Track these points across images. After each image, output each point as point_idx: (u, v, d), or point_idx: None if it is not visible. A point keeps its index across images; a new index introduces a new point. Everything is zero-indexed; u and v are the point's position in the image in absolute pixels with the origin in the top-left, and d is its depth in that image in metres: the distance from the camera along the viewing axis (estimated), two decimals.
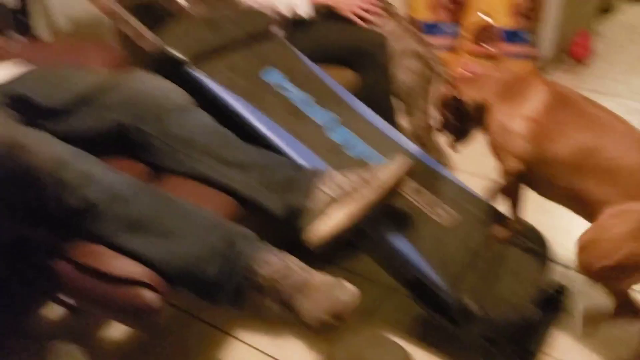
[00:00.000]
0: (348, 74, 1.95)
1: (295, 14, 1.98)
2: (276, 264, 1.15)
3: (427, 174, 1.59)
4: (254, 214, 1.34)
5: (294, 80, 1.60)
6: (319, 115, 1.56)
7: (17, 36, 1.93)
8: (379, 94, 1.95)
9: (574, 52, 3.29)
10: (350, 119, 1.60)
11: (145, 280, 1.09)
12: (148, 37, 1.58)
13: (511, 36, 2.88)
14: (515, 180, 1.49)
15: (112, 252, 1.12)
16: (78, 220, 1.13)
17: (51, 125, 1.34)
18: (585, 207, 1.36)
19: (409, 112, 2.07)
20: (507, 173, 1.48)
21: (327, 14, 2.08)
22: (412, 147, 1.65)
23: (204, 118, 1.41)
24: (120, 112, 1.37)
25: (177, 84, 1.44)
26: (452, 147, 1.68)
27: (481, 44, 2.90)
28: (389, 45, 2.01)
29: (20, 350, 1.32)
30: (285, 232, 1.31)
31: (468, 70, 2.87)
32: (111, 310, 1.15)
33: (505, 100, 1.48)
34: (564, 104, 1.42)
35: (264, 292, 1.14)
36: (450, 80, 1.83)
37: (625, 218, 1.28)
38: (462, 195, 1.59)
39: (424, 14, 2.96)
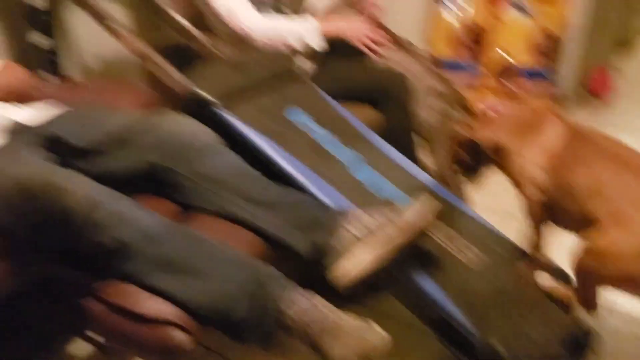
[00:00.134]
0: (370, 112, 1.98)
1: (307, 46, 1.98)
2: (304, 304, 1.16)
3: (452, 214, 1.60)
4: (281, 253, 1.35)
5: (318, 119, 1.63)
6: (343, 154, 1.58)
7: (49, 76, 2.00)
8: (401, 132, 1.97)
9: (593, 88, 3.31)
10: (374, 158, 1.63)
11: (176, 320, 1.10)
12: (177, 79, 1.62)
13: (531, 74, 2.91)
14: (538, 211, 1.53)
15: (144, 292, 1.13)
16: (110, 260, 1.15)
17: (84, 166, 1.38)
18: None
19: (432, 150, 2.09)
20: (529, 203, 1.52)
21: (344, 51, 2.13)
22: (436, 185, 1.67)
23: (232, 158, 1.44)
24: (151, 152, 1.41)
25: (205, 124, 1.48)
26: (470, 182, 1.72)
27: (501, 81, 2.93)
28: (411, 84, 2.05)
29: None
30: (311, 271, 1.32)
31: (489, 108, 2.89)
32: (141, 350, 1.16)
33: (524, 136, 1.55)
34: (582, 139, 1.49)
35: (292, 332, 1.15)
36: (468, 121, 1.88)
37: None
38: (488, 235, 1.60)
39: (444, 52, 3.01)
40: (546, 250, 1.57)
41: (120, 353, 1.59)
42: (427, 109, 2.06)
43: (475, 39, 2.99)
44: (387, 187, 1.56)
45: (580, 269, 1.40)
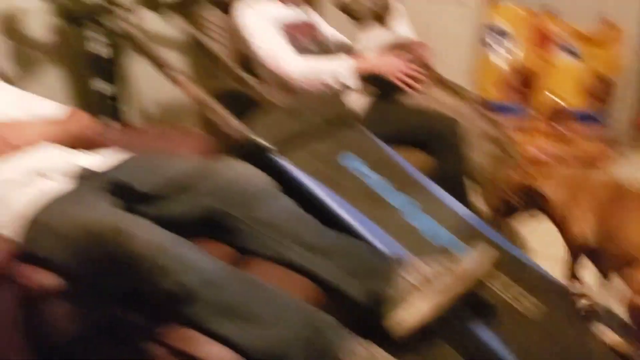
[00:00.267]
0: (421, 156, 1.98)
1: (342, 85, 2.02)
2: (362, 353, 1.15)
3: (509, 262, 1.58)
4: (336, 300, 1.35)
5: (372, 165, 1.65)
6: (398, 200, 1.59)
7: (111, 122, 2.08)
8: (453, 176, 1.97)
9: None
10: (429, 204, 1.62)
11: None
12: (233, 126, 1.67)
13: (582, 117, 2.87)
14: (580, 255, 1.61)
15: (204, 337, 1.15)
16: (173, 304, 1.17)
17: (147, 210, 1.42)
18: None
19: (484, 195, 2.07)
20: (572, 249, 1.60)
21: (394, 94, 2.15)
22: (491, 232, 1.65)
23: (288, 203, 1.46)
24: (210, 197, 1.44)
25: (261, 170, 1.51)
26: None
27: (552, 124, 2.90)
28: (462, 127, 2.05)
29: None
30: (367, 319, 1.31)
31: (540, 151, 2.86)
32: None
33: (572, 188, 1.62)
34: (627, 196, 1.58)
35: None
36: (518, 165, 1.88)
37: None
38: (545, 284, 1.57)
39: (494, 95, 3.00)
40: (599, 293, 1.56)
41: None
42: (478, 153, 2.05)
43: (524, 81, 2.98)
44: (442, 234, 1.55)
45: (634, 310, 1.39)
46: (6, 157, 1.39)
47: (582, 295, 1.66)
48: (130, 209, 1.37)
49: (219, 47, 2.19)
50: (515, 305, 1.47)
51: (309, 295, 1.33)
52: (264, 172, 1.50)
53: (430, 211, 1.61)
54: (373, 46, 2.23)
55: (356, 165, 1.63)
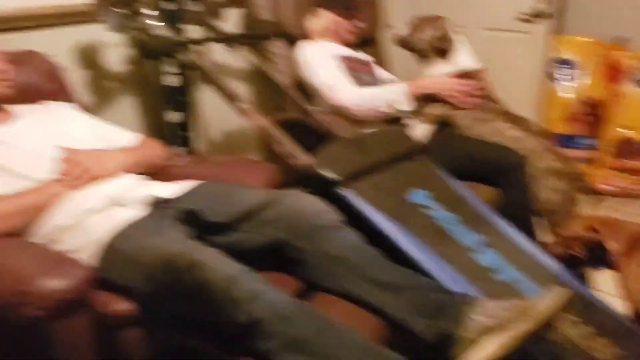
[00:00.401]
0: (487, 191, 1.95)
1: (397, 110, 2.08)
2: None
3: (578, 301, 1.52)
4: (404, 338, 1.34)
5: (439, 200, 1.63)
6: (466, 236, 1.56)
7: (180, 150, 2.14)
8: (520, 213, 1.92)
9: None
10: (497, 241, 1.59)
11: None
12: (300, 157, 1.69)
13: None
14: None
15: None
16: (242, 335, 1.19)
17: (216, 239, 1.46)
18: None
19: (553, 231, 2.02)
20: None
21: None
22: (560, 270, 1.60)
23: (354, 237, 1.46)
24: (276, 228, 1.46)
25: (327, 202, 1.52)
26: None
27: (621, 157, 2.81)
28: (529, 162, 2.01)
29: None
30: (433, 358, 1.29)
31: (609, 185, 2.77)
32: None
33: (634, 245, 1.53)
34: None
35: None
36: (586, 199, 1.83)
37: None
38: (616, 325, 1.50)
39: (560, 127, 2.93)
40: None
41: None
42: (548, 190, 2.00)
43: (592, 113, 2.90)
44: (511, 273, 1.51)
45: None
46: (87, 186, 1.45)
47: None
48: (200, 238, 1.41)
49: (284, 78, 2.25)
50: (586, 348, 1.41)
51: (375, 332, 1.32)
52: (331, 205, 1.51)
53: (497, 247, 1.58)
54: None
55: (425, 201, 1.61)
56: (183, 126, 2.21)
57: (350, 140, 1.79)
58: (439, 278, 1.42)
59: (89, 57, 2.12)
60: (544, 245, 1.93)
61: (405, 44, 2.28)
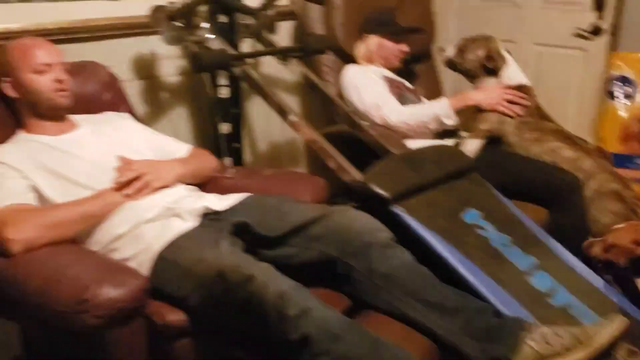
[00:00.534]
0: (537, 212, 1.90)
1: (442, 124, 2.10)
2: None
3: (637, 330, 1.47)
4: None
5: (492, 220, 1.60)
6: (519, 259, 1.53)
7: (229, 161, 2.16)
8: (574, 235, 1.87)
9: None
10: (550, 264, 1.55)
11: None
12: (351, 172, 1.68)
13: None
14: None
15: None
16: (291, 351, 1.19)
17: (265, 253, 1.47)
18: None
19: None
20: None
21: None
22: (616, 296, 1.55)
23: (405, 256, 1.44)
24: (326, 244, 1.46)
25: (379, 219, 1.51)
26: None
27: None
28: (583, 183, 1.96)
29: None
30: None
31: None
32: None
33: None
34: None
35: None
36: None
37: None
38: None
39: (615, 146, 2.84)
40: None
41: None
42: (605, 212, 1.94)
43: None
44: (566, 297, 1.47)
45: None
46: (144, 196, 1.48)
47: None
48: (250, 251, 1.42)
49: (334, 91, 2.25)
50: None
51: (425, 354, 1.31)
52: (382, 222, 1.50)
53: (551, 271, 1.54)
54: None
55: (477, 219, 1.59)
56: (233, 137, 2.22)
57: (402, 156, 1.77)
58: (492, 301, 1.39)
59: (144, 68, 2.17)
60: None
61: (454, 65, 2.30)
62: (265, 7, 2.05)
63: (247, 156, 2.46)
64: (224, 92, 2.15)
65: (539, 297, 1.45)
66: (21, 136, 1.57)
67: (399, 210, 1.53)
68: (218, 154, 2.04)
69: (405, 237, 1.49)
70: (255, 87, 1.90)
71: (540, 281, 1.49)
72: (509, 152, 2.12)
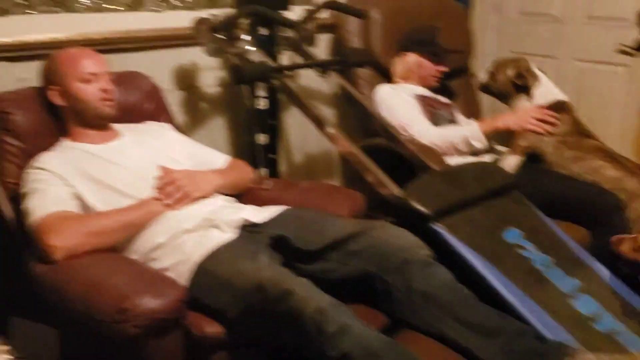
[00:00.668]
0: (578, 232, 1.86)
1: (472, 147, 2.10)
2: None
3: None
4: None
5: (534, 240, 1.56)
6: (562, 280, 1.49)
7: (266, 172, 2.17)
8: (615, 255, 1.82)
9: None
10: (596, 287, 1.51)
11: None
12: (389, 187, 1.66)
13: None
14: None
15: None
16: None
17: (304, 267, 1.46)
18: None
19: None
20: None
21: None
22: None
23: (445, 274, 1.42)
24: (364, 260, 1.44)
25: (417, 235, 1.48)
26: None
27: None
28: (624, 203, 1.91)
29: None
30: None
31: None
32: None
33: None
34: None
35: None
36: None
37: None
38: None
39: None
40: None
41: None
42: None
43: None
44: (610, 322, 1.43)
45: None
46: (184, 207, 1.49)
47: None
48: (287, 264, 1.41)
49: (370, 104, 2.24)
50: None
51: None
52: (421, 239, 1.47)
53: (594, 294, 1.49)
54: None
55: (520, 241, 1.55)
56: (269, 148, 2.23)
57: (442, 172, 1.75)
58: (534, 323, 1.36)
59: (184, 79, 2.19)
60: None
61: (488, 89, 2.30)
62: (306, 20, 2.06)
63: (283, 167, 2.46)
64: (262, 104, 2.16)
65: (583, 321, 1.41)
66: (65, 144, 1.59)
67: (439, 227, 1.51)
68: (254, 164, 2.06)
69: (445, 255, 1.46)
70: (293, 99, 1.90)
71: (585, 305, 1.45)
72: (549, 170, 2.08)
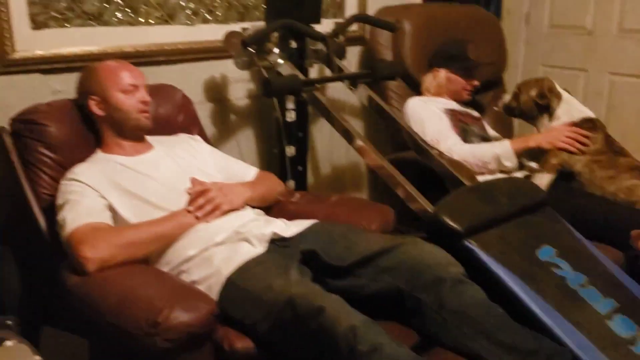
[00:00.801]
0: (612, 253, 1.81)
1: (502, 165, 2.11)
2: None
3: None
4: None
5: (568, 258, 1.53)
6: (598, 300, 1.45)
7: (293, 184, 2.17)
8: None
9: None
10: (633, 308, 1.46)
11: None
12: (420, 201, 1.64)
13: None
14: None
15: None
16: None
17: (333, 283, 1.44)
18: None
19: None
20: None
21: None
22: None
23: (478, 292, 1.39)
24: (395, 276, 1.42)
25: (449, 252, 1.46)
26: None
27: None
28: None
29: None
30: None
31: None
32: None
33: None
34: None
35: None
36: None
37: None
38: None
39: None
40: None
41: None
42: None
43: None
44: None
45: None
46: (216, 219, 1.49)
47: None
48: (317, 280, 1.40)
49: (401, 116, 2.23)
50: None
51: None
52: (453, 255, 1.45)
53: (633, 315, 1.44)
54: None
55: (556, 260, 1.51)
56: (297, 161, 2.23)
57: (474, 188, 1.73)
58: (569, 345, 1.32)
59: (214, 91, 2.21)
60: None
61: (511, 110, 2.28)
62: (336, 33, 2.06)
63: (310, 179, 2.46)
64: (291, 116, 2.16)
65: (621, 343, 1.37)
66: (99, 155, 1.61)
67: (471, 244, 1.49)
68: (282, 176, 2.06)
69: (477, 273, 1.44)
70: (322, 111, 1.90)
71: (622, 326, 1.41)
72: (580, 189, 2.05)
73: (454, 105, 2.32)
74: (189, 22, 2.08)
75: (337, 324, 1.17)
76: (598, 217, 1.88)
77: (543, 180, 2.05)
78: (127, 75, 1.60)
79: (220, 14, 2.14)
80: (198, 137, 1.82)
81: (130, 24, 1.96)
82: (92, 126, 1.66)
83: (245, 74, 2.22)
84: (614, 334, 1.39)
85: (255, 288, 1.34)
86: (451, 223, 1.51)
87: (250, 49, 1.91)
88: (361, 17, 2.34)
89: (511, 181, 1.86)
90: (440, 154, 2.03)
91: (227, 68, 2.10)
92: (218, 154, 1.81)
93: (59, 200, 1.48)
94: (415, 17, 2.42)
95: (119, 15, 1.93)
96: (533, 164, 2.17)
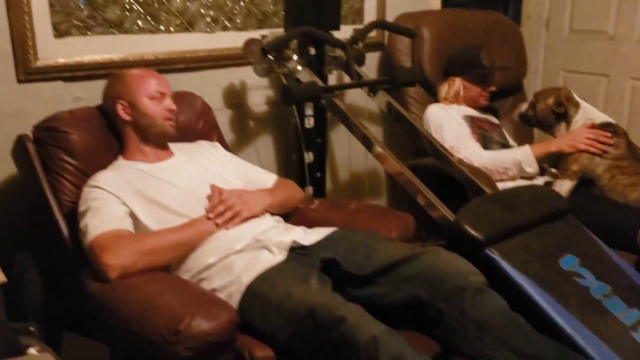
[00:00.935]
0: (631, 260, 1.78)
1: (523, 171, 2.10)
2: None
3: None
4: None
5: (591, 268, 1.50)
6: (622, 311, 1.43)
7: (312, 191, 2.17)
8: None
9: None
10: None
11: None
12: (441, 210, 1.63)
13: None
14: None
15: None
16: None
17: (353, 291, 1.44)
18: None
19: None
20: None
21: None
22: None
23: (499, 302, 1.38)
24: (415, 285, 1.41)
25: (470, 261, 1.45)
26: None
27: None
28: None
29: None
30: None
31: None
32: None
33: None
34: None
35: None
36: None
37: None
38: None
39: None
40: None
41: None
42: None
43: None
44: None
45: None
46: (236, 227, 1.50)
47: None
48: (337, 288, 1.39)
49: (420, 122, 2.22)
50: None
51: None
52: (474, 264, 1.44)
53: None
54: None
55: (577, 268, 1.50)
56: (316, 167, 2.23)
57: (495, 196, 1.71)
58: (592, 356, 1.30)
59: (233, 98, 2.22)
60: None
61: (527, 119, 2.27)
62: (355, 40, 2.06)
63: (329, 186, 2.46)
64: (310, 122, 2.17)
65: None
66: (120, 162, 1.62)
67: (492, 253, 1.47)
68: (300, 183, 2.06)
69: (499, 282, 1.42)
70: (341, 118, 1.89)
71: None
72: (601, 196, 2.02)
73: (473, 112, 2.31)
74: (208, 29, 2.09)
75: (358, 334, 1.17)
76: (619, 225, 1.86)
77: (563, 187, 2.03)
78: (154, 83, 1.62)
79: (239, 22, 2.15)
80: (218, 144, 1.83)
81: (151, 31, 1.98)
82: (114, 133, 1.67)
83: (264, 81, 2.23)
84: (638, 345, 1.37)
85: (275, 296, 1.33)
86: (472, 232, 1.49)
87: (269, 56, 1.91)
88: (380, 24, 2.33)
89: (532, 189, 1.84)
90: (460, 160, 2.01)
91: (246, 75, 2.11)
92: (238, 161, 1.81)
93: (81, 207, 1.50)
94: (434, 24, 2.42)
95: (140, 23, 1.94)
96: (554, 170, 2.15)
